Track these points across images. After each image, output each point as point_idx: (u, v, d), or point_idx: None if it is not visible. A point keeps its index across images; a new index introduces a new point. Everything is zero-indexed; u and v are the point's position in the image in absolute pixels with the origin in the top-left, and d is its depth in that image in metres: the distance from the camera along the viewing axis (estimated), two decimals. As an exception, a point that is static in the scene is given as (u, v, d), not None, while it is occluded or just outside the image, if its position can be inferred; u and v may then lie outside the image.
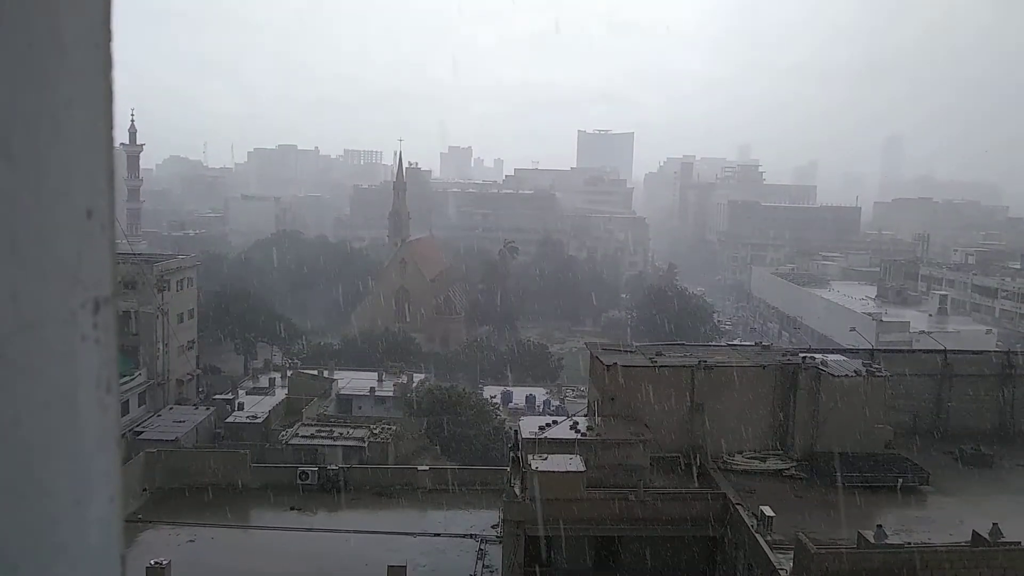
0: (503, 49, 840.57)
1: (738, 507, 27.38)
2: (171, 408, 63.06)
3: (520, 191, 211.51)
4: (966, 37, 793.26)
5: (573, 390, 73.44)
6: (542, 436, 30.61)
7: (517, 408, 69.40)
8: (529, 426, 32.47)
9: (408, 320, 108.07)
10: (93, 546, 1.17)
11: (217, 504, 38.72)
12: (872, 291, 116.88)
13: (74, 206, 1.11)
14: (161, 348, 68.34)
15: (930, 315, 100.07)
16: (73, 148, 1.11)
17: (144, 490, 40.07)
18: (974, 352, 45.39)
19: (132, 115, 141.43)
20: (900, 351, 52.48)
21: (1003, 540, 23.27)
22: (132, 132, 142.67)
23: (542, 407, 69.53)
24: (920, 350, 51.47)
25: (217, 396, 68.04)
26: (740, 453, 32.99)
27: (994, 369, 39.23)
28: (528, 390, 75.35)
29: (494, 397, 70.44)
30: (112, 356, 1.21)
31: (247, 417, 58.09)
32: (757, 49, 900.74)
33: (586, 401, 42.48)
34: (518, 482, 29.96)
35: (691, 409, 33.20)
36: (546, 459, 28.79)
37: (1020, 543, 22.94)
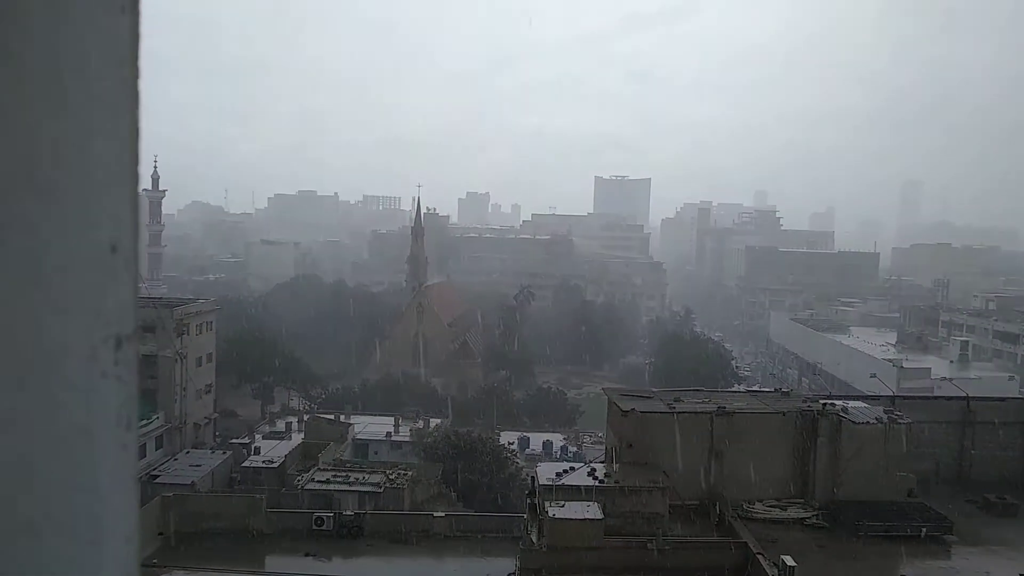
0: (520, 96, 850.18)
1: (759, 557, 26.97)
2: (188, 452, 63.08)
3: (537, 236, 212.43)
4: (985, 84, 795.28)
5: (591, 436, 72.88)
6: (559, 483, 30.34)
7: (534, 454, 68.91)
8: (546, 472, 32.22)
9: (425, 365, 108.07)
10: None
11: (232, 549, 38.53)
12: (892, 337, 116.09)
13: (98, 240, 1.11)
14: (179, 392, 68.58)
15: (951, 361, 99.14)
16: (98, 181, 1.10)
17: (159, 534, 39.93)
18: (997, 399, 44.86)
19: (155, 161, 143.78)
20: (922, 398, 51.93)
21: (1031, 592, 22.80)
22: (155, 178, 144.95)
23: (559, 453, 69.03)
24: (942, 397, 50.88)
25: (234, 440, 67.99)
26: (760, 501, 32.57)
27: (1018, 416, 38.72)
28: (545, 436, 74.89)
29: (511, 443, 70.02)
30: (132, 393, 1.19)
31: (263, 462, 57.99)
32: (774, 96, 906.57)
33: (604, 447, 42.18)
34: (535, 529, 29.66)
35: (710, 456, 32.88)
36: (563, 506, 28.52)
37: (1048, 595, 22.47)
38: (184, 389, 69.32)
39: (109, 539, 1.14)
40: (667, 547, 27.90)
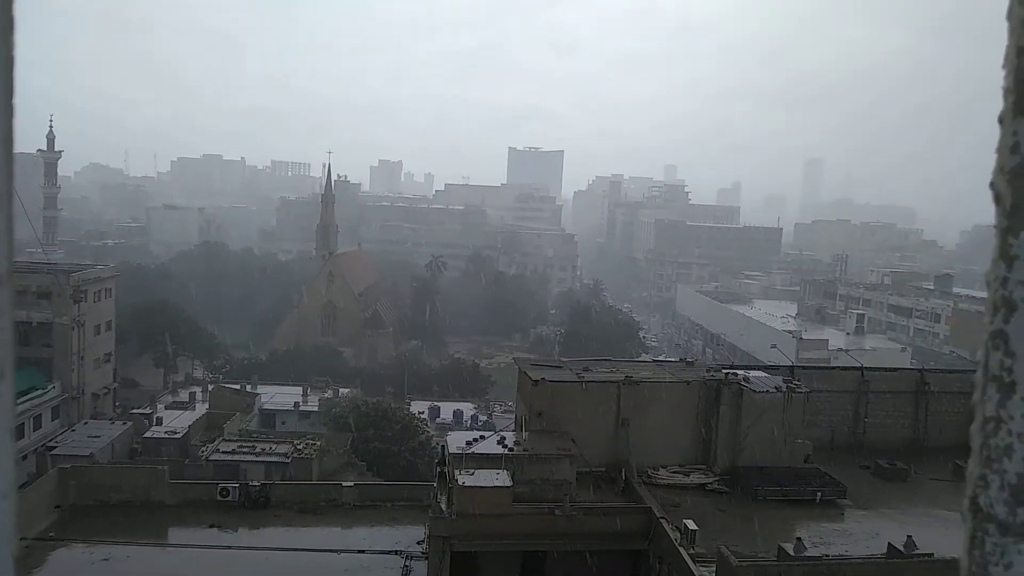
0: (437, 64, 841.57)
1: (662, 521, 27.65)
2: (86, 423, 61.04)
3: (450, 206, 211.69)
4: (887, 66, 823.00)
5: (501, 405, 73.37)
6: (469, 451, 30.48)
7: (445, 423, 69.08)
8: (456, 441, 32.32)
9: (335, 334, 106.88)
10: None
11: (133, 522, 37.54)
12: (793, 309, 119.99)
13: None
14: (76, 361, 66.17)
15: (848, 333, 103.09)
16: None
17: (57, 507, 38.63)
18: (890, 369, 46.86)
19: (51, 121, 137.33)
20: (819, 368, 53.84)
21: (917, 552, 23.97)
22: (50, 138, 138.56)
23: (470, 422, 69.33)
24: (838, 367, 52.87)
25: (135, 411, 66.12)
26: (665, 468, 33.37)
27: (909, 386, 40.50)
28: (456, 405, 75.10)
29: (421, 412, 69.97)
30: (8, 339, 1.10)
31: (166, 432, 56.61)
32: (685, 72, 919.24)
33: (514, 416, 42.51)
34: (444, 497, 29.76)
35: (617, 424, 33.47)
36: (473, 474, 28.67)
37: (933, 554, 23.65)
38: (82, 358, 66.92)
39: None
40: (574, 513, 28.36)
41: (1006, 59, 1.08)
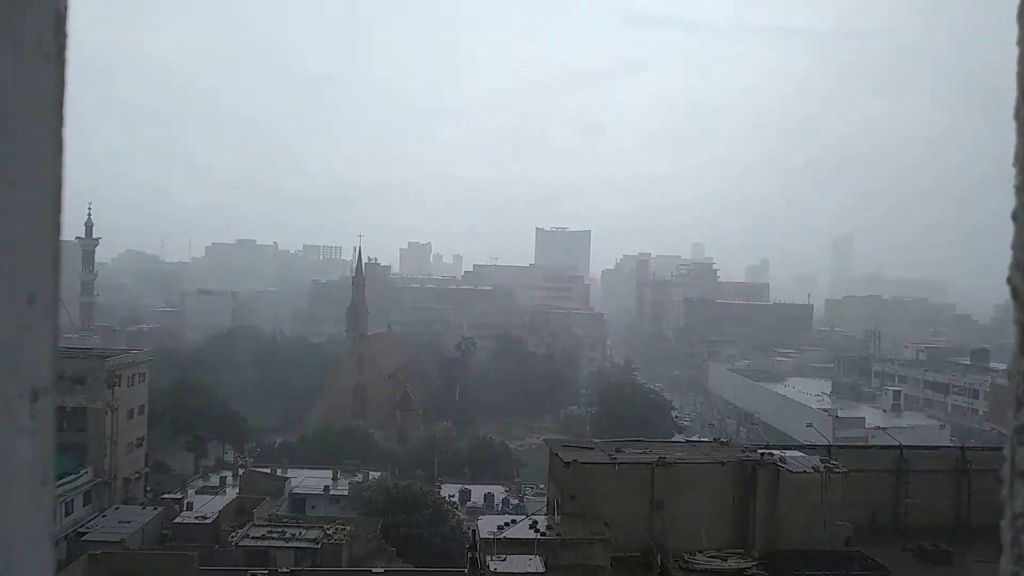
0: (464, 147, 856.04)
1: (700, 608, 26.96)
2: (117, 508, 60.99)
3: (479, 287, 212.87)
4: (916, 142, 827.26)
5: (532, 488, 72.55)
6: (500, 536, 30.06)
7: (475, 507, 68.28)
8: (487, 526, 31.90)
9: (365, 416, 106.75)
10: None
11: (162, 610, 37.23)
12: (827, 387, 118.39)
13: (15, 291, 1.06)
14: (109, 445, 66.47)
15: (884, 411, 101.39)
16: (17, 231, 1.06)
17: (86, 595, 38.44)
18: (929, 448, 45.92)
19: (89, 209, 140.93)
20: (857, 447, 52.92)
21: (965, 639, 23.12)
22: (88, 226, 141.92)
23: (501, 506, 68.52)
24: (876, 446, 51.92)
25: (166, 495, 66.04)
26: (701, 552, 32.63)
27: (950, 464, 39.62)
28: (487, 488, 74.34)
29: (452, 496, 69.30)
30: (49, 448, 1.14)
31: (196, 518, 56.38)
32: (711, 150, 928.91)
33: (546, 499, 41.96)
34: (476, 584, 29.27)
35: (651, 506, 32.92)
36: (505, 560, 28.21)
37: (982, 642, 22.80)
38: (114, 442, 67.21)
39: None
40: (609, 600, 27.74)
41: (1016, 158, 1.07)
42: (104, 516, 58.03)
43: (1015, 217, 1.09)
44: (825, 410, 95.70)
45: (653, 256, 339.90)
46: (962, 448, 43.54)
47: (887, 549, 33.71)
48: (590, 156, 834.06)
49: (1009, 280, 1.10)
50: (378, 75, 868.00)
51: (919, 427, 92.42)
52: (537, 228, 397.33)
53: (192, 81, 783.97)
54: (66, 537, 52.96)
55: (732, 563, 32.21)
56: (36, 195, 1.09)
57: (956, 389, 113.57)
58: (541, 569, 27.90)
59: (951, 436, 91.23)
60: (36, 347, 1.10)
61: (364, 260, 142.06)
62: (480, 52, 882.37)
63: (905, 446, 42.43)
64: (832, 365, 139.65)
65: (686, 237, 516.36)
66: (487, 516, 44.85)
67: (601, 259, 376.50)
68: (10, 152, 1.05)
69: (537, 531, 30.79)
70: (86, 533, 52.35)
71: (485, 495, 72.24)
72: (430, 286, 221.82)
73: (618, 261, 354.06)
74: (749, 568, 31.85)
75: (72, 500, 61.16)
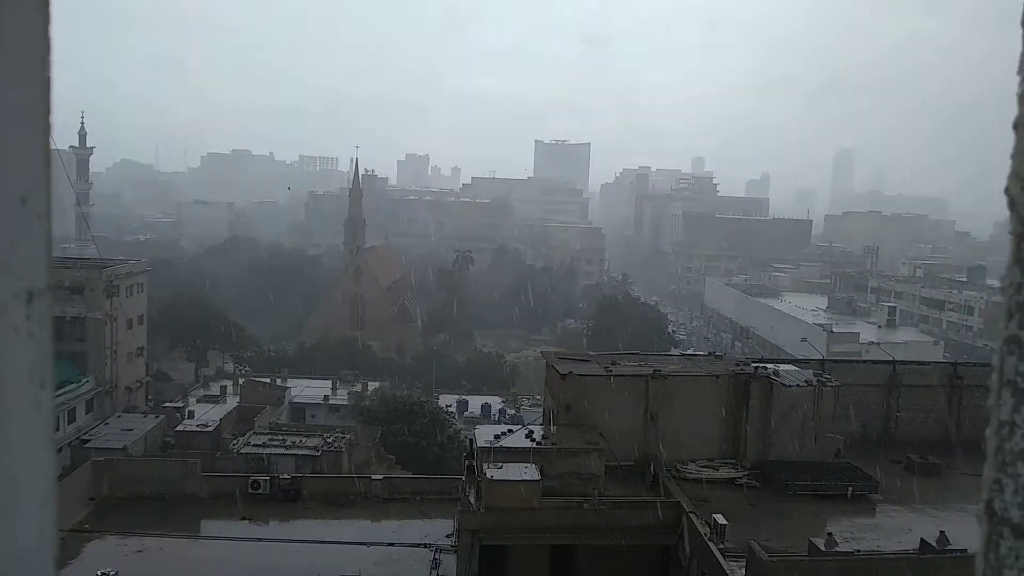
0: (465, 58, 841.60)
1: (691, 515, 27.56)
2: (119, 416, 61.80)
3: (477, 200, 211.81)
4: (917, 54, 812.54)
5: (529, 399, 73.44)
6: (497, 445, 30.53)
7: (473, 417, 69.24)
8: (484, 435, 32.38)
9: (363, 328, 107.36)
10: (24, 548, 1.10)
11: (166, 514, 38.05)
12: (823, 302, 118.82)
13: (6, 193, 1.07)
14: (110, 355, 67.03)
15: (879, 326, 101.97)
16: (6, 133, 1.07)
17: (91, 500, 39.23)
18: (921, 363, 46.29)
19: (82, 117, 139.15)
20: (850, 361, 53.40)
21: (950, 547, 23.70)
22: (82, 135, 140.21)
23: (498, 416, 69.46)
24: (869, 361, 52.44)
25: (167, 404, 66.87)
26: (694, 462, 33.23)
27: (941, 380, 39.99)
28: (484, 399, 75.26)
29: (449, 406, 70.18)
30: (47, 350, 1.14)
31: (197, 425, 57.15)
32: (712, 62, 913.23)
33: (542, 410, 42.53)
34: (473, 491, 29.85)
35: (646, 418, 33.38)
36: (501, 468, 28.72)
37: (967, 550, 23.36)
38: (115, 352, 67.76)
39: (24, 500, 1.10)
40: (602, 507, 28.34)
41: (1020, 66, 1.07)
42: (107, 424, 58.85)
43: (1016, 126, 1.09)
44: (820, 325, 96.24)
45: (653, 170, 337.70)
46: (954, 364, 43.93)
47: (877, 461, 34.28)
48: (591, 68, 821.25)
49: (1007, 190, 1.11)
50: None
51: (913, 343, 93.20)
52: (536, 141, 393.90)
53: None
54: (69, 445, 53.79)
55: (723, 472, 32.86)
56: (24, 98, 1.10)
57: (952, 306, 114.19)
58: (537, 477, 28.44)
59: (944, 352, 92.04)
60: (29, 249, 1.10)
61: (361, 172, 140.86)
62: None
63: (897, 361, 42.79)
64: (829, 281, 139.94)
65: (687, 151, 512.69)
66: (484, 425, 45.54)
67: (600, 173, 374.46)
68: None
69: (533, 440, 31.29)
70: (89, 441, 53.12)
71: (482, 405, 73.20)
72: (428, 198, 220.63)
73: (617, 175, 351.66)
74: (740, 477, 32.49)
75: (75, 408, 61.97)
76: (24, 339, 1.10)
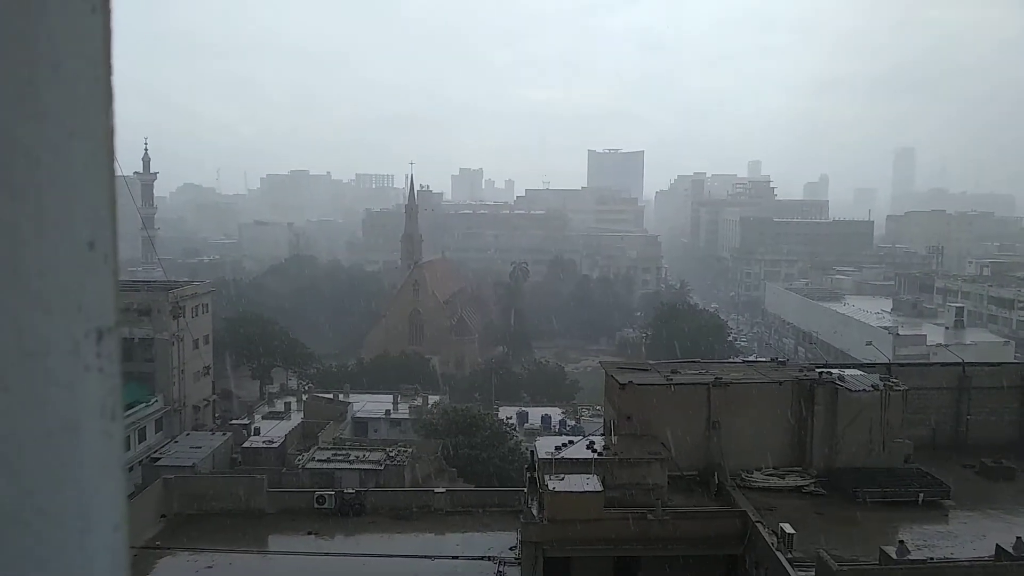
0: (518, 69, 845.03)
1: (758, 525, 27.18)
2: (188, 434, 63.12)
3: (531, 211, 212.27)
4: (977, 49, 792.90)
5: (589, 409, 73.12)
6: (558, 456, 30.50)
7: (533, 428, 69.16)
8: (545, 446, 32.38)
9: (422, 342, 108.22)
10: (98, 573, 1.16)
11: (235, 530, 38.72)
12: (887, 305, 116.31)
13: (76, 238, 1.13)
14: (177, 374, 68.60)
15: (947, 328, 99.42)
16: (74, 181, 1.13)
17: (162, 516, 40.12)
18: (992, 364, 45.07)
19: (146, 144, 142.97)
20: (917, 364, 52.19)
21: (1027, 554, 23.01)
22: (146, 161, 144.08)
23: (558, 427, 69.29)
24: (938, 363, 51.12)
25: (233, 421, 68.14)
26: (759, 470, 32.78)
27: (1013, 381, 38.91)
28: (544, 410, 75.16)
29: (510, 418, 70.25)
30: (116, 384, 1.21)
31: (263, 442, 58.11)
32: (765, 65, 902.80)
33: (602, 420, 42.35)
34: (535, 503, 29.86)
35: (708, 427, 33.05)
36: (563, 479, 28.69)
37: (1045, 557, 22.68)
38: (182, 371, 69.32)
39: (98, 528, 1.16)
40: (666, 517, 28.12)
41: None
42: (176, 442, 60.13)
43: None
44: (885, 328, 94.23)
45: (708, 175, 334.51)
46: (1027, 364, 42.69)
47: (948, 466, 33.50)
48: (644, 75, 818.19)
49: None
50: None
51: (982, 343, 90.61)
52: (589, 150, 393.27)
53: (245, 10, 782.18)
54: (140, 463, 55.06)
55: (789, 480, 32.35)
56: (90, 146, 1.16)
57: (1021, 304, 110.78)
58: (599, 488, 28.34)
59: (1016, 352, 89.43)
60: (98, 290, 1.16)
61: (416, 188, 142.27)
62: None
63: (967, 363, 41.70)
64: (893, 282, 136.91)
65: (743, 155, 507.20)
66: (545, 437, 45.47)
67: (655, 180, 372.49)
68: (64, 105, 1.11)
69: (594, 451, 31.18)
70: (159, 459, 54.27)
71: (542, 417, 73.10)
72: (482, 212, 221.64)
73: (672, 182, 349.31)
74: (807, 485, 31.96)
75: (145, 427, 63.51)
76: (95, 376, 1.16)
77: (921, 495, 30.31)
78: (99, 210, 1.17)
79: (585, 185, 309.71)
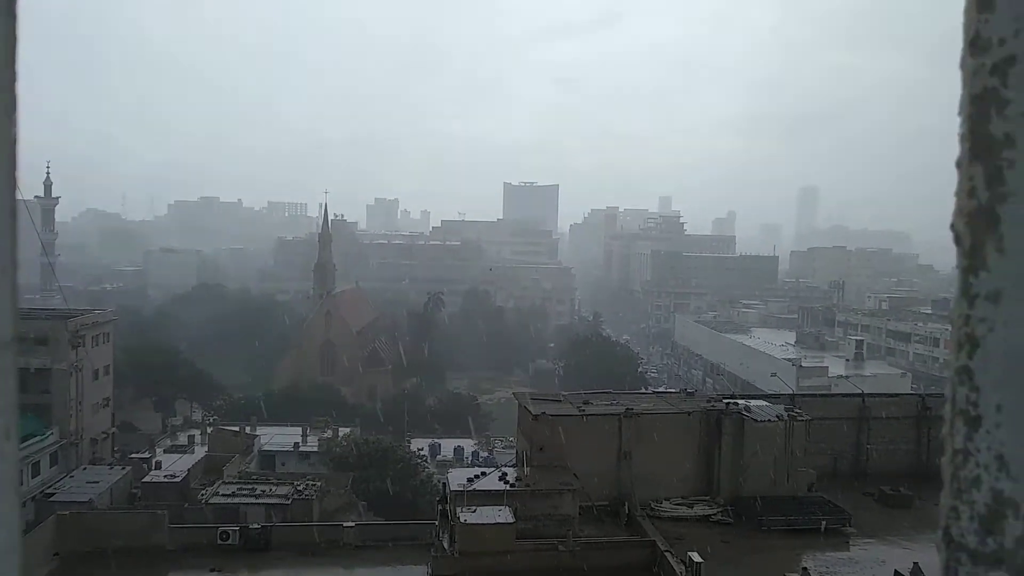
0: (433, 101, 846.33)
1: (667, 554, 27.44)
2: (85, 468, 60.61)
3: (447, 242, 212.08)
4: (879, 93, 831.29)
5: (502, 441, 73.03)
6: (470, 488, 30.32)
7: (445, 460, 68.71)
8: (457, 478, 32.15)
9: (334, 373, 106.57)
10: None
11: (133, 568, 37.15)
12: (791, 337, 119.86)
13: None
14: (75, 406, 65.86)
15: (847, 360, 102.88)
16: None
17: (55, 555, 38.26)
18: (890, 395, 46.79)
19: (47, 167, 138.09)
20: (820, 395, 53.74)
21: (923, 579, 23.76)
22: (47, 184, 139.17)
23: (471, 459, 69.00)
24: (839, 394, 52.80)
25: (133, 455, 65.69)
26: (668, 500, 33.17)
27: (910, 411, 40.40)
28: (457, 442, 74.73)
29: (421, 450, 69.63)
30: (12, 401, 1.13)
31: (165, 476, 56.19)
32: (679, 103, 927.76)
33: (515, 451, 42.30)
34: (447, 536, 29.55)
35: (619, 457, 33.32)
36: (475, 511, 28.49)
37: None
38: (80, 403, 66.60)
39: None
40: (577, 548, 28.15)
41: (960, 107, 1.13)
42: (72, 476, 57.68)
43: (958, 165, 1.14)
44: (789, 360, 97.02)
45: (621, 210, 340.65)
46: (922, 395, 44.41)
47: (849, 494, 34.47)
48: (560, 110, 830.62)
49: (952, 226, 1.16)
50: (344, 28, 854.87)
51: (881, 375, 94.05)
52: (504, 183, 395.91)
53: (152, 36, 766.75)
54: (34, 498, 52.61)
55: (698, 509, 32.81)
56: None
57: (918, 338, 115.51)
58: (511, 519, 28.22)
59: (912, 384, 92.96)
60: None
61: (330, 217, 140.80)
62: (452, 2, 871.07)
63: (867, 394, 43.21)
64: (796, 316, 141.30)
65: (654, 190, 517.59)
66: (457, 469, 45.17)
67: (569, 213, 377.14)
68: None
69: (507, 483, 31.09)
70: (54, 494, 52.02)
71: (455, 448, 72.69)
72: (398, 242, 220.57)
73: (586, 215, 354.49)
74: (714, 514, 32.45)
75: (39, 461, 60.68)
76: None
77: (824, 523, 31.10)
78: None
79: (501, 217, 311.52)
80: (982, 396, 1.11)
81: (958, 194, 1.14)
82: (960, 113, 1.12)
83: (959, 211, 1.14)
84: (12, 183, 1.13)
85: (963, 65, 1.12)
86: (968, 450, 1.13)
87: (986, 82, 1.10)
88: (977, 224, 1.11)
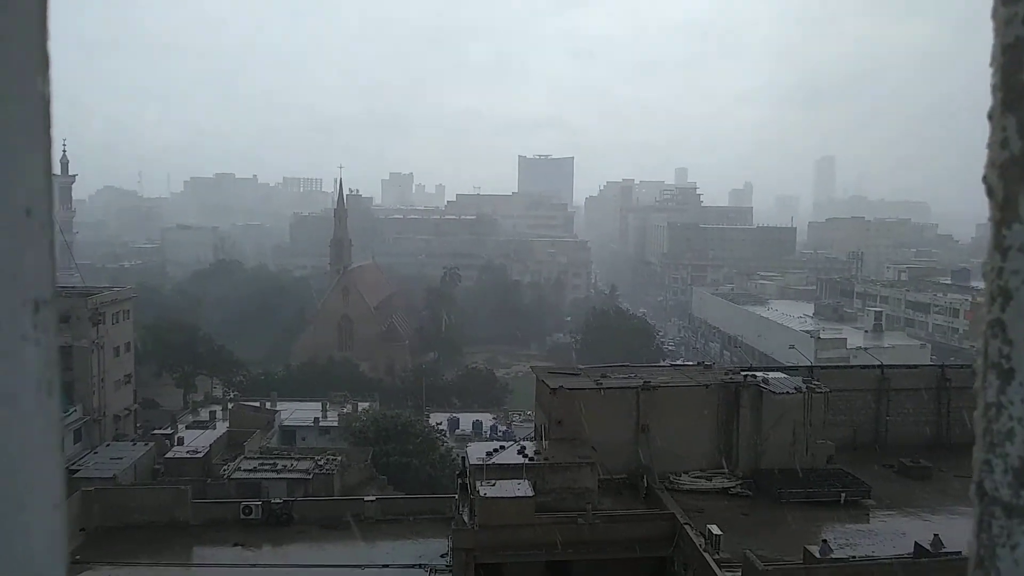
0: (448, 75, 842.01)
1: (686, 527, 27.53)
2: (108, 445, 61.32)
3: (462, 216, 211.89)
4: (894, 61, 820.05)
5: (520, 414, 73.31)
6: (490, 462, 30.45)
7: (464, 434, 69.06)
8: (476, 452, 32.29)
9: (352, 348, 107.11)
10: (37, 551, 1.11)
11: (158, 542, 37.67)
12: (809, 309, 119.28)
13: (13, 205, 1.08)
14: (97, 383, 66.58)
15: (866, 331, 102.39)
16: (10, 147, 1.08)
17: (81, 530, 38.80)
18: (910, 366, 46.56)
19: (64, 145, 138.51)
20: (838, 367, 53.64)
21: (944, 550, 23.75)
22: (64, 162, 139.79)
23: (489, 433, 69.33)
24: (858, 366, 52.60)
25: (156, 431, 66.38)
26: (686, 473, 33.22)
27: (929, 382, 40.20)
28: (475, 416, 75.11)
29: (440, 424, 70.00)
30: (53, 358, 1.16)
31: (187, 452, 56.74)
32: (695, 74, 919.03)
33: (533, 425, 42.45)
34: (466, 509, 29.74)
35: (637, 430, 33.36)
36: (494, 485, 28.63)
37: (961, 553, 23.41)
38: (102, 380, 67.32)
39: (36, 505, 1.11)
40: (596, 521, 28.28)
41: (992, 57, 1.12)
42: (95, 453, 58.34)
43: (990, 116, 1.13)
44: (807, 332, 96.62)
45: (637, 182, 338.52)
46: (942, 366, 44.16)
47: (868, 466, 34.43)
48: (574, 82, 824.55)
49: (984, 178, 1.14)
50: (360, 4, 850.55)
51: (900, 346, 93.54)
52: (519, 156, 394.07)
53: (168, 13, 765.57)
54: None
55: (716, 482, 32.86)
56: (27, 111, 1.11)
57: (937, 308, 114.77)
58: (530, 493, 28.36)
59: (931, 355, 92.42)
60: (36, 259, 1.11)
61: (346, 192, 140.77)
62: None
63: (886, 365, 42.97)
64: (815, 287, 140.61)
65: (670, 162, 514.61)
66: (476, 443, 45.39)
67: (585, 186, 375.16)
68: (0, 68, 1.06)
69: (525, 456, 31.23)
70: (78, 471, 52.60)
71: (473, 423, 73.04)
72: (413, 216, 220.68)
73: (602, 188, 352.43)
74: (733, 487, 32.50)
75: (63, 438, 61.33)
76: (32, 347, 1.11)
77: (843, 495, 31.08)
78: (36, 178, 1.12)
79: (516, 191, 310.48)
80: (1015, 349, 1.11)
81: (990, 145, 1.13)
82: (992, 63, 1.12)
83: (991, 162, 1.13)
84: (47, 141, 1.15)
85: (995, 14, 1.12)
86: (1001, 403, 1.13)
87: (1019, 31, 1.09)
88: (1010, 175, 1.11)
